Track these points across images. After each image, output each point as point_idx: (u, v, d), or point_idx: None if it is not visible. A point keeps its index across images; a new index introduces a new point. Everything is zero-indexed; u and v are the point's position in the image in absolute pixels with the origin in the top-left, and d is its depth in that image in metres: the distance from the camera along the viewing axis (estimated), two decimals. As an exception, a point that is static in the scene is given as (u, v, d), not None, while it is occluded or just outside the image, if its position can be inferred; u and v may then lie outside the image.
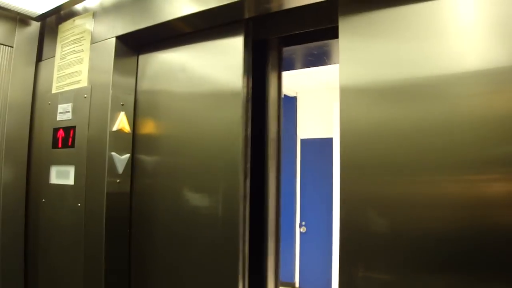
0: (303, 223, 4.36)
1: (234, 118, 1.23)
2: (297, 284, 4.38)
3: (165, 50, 1.47)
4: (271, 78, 1.39)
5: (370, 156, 1.00)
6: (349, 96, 1.05)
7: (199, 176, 1.32)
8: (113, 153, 1.41)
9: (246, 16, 1.23)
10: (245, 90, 1.24)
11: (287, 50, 1.43)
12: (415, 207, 0.93)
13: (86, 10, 1.57)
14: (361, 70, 1.04)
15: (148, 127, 1.48)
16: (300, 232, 4.37)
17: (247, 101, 1.25)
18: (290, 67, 1.61)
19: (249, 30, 1.27)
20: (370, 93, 1.02)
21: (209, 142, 1.30)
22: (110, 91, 1.43)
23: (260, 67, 1.38)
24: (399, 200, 0.96)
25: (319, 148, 4.29)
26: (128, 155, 1.46)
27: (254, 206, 1.27)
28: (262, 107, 1.38)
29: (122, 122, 1.44)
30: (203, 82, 1.34)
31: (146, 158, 1.47)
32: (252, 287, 1.24)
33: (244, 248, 1.20)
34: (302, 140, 4.49)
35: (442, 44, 0.93)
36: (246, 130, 1.23)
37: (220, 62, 1.30)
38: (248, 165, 1.24)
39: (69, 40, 1.62)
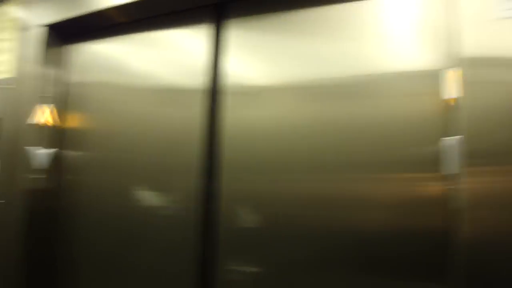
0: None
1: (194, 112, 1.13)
2: None
3: (103, 40, 1.38)
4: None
5: (246, 155, 1.05)
6: (232, 96, 1.09)
7: (151, 173, 1.20)
8: (35, 147, 1.32)
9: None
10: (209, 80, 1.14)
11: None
12: (282, 204, 0.98)
13: (14, -3, 1.49)
14: (242, 71, 1.09)
15: (79, 121, 1.40)
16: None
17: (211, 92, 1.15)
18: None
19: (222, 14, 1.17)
20: (247, 94, 1.07)
21: (164, 138, 1.18)
22: (36, 82, 1.34)
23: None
24: (269, 198, 1.00)
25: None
26: (53, 150, 1.37)
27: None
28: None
29: (48, 115, 1.36)
30: (154, 74, 1.24)
31: (75, 154, 1.38)
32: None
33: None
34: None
35: (314, 48, 1.00)
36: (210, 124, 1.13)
37: (181, 51, 1.20)
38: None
39: (-5, 28, 1.52)
